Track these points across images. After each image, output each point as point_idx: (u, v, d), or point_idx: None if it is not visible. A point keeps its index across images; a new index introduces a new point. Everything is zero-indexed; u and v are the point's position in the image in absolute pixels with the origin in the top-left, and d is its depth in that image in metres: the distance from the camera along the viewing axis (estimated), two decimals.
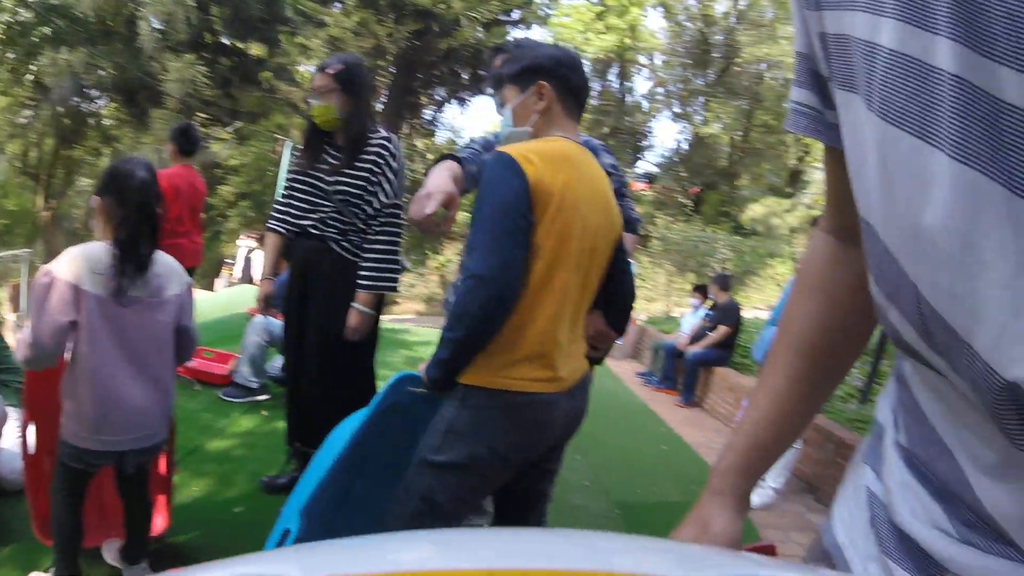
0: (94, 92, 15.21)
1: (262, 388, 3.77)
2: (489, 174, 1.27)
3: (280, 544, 1.39)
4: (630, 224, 1.85)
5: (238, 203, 17.15)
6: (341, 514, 1.58)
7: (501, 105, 1.49)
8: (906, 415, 0.47)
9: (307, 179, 2.28)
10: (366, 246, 2.23)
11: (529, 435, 1.34)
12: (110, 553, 1.88)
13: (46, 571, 1.78)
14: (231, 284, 10.09)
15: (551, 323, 1.29)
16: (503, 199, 1.24)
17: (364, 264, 2.21)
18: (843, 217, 0.57)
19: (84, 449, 1.61)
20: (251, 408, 3.63)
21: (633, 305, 1.69)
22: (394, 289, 2.31)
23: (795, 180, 21.55)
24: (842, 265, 0.60)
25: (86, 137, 16.55)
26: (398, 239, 2.31)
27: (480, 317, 1.23)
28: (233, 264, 10.38)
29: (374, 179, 2.21)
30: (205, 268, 18.67)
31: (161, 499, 2.08)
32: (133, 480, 1.75)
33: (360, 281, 2.19)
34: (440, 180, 1.49)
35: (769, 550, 0.69)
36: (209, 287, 12.91)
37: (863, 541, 0.50)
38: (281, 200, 2.40)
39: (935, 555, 0.42)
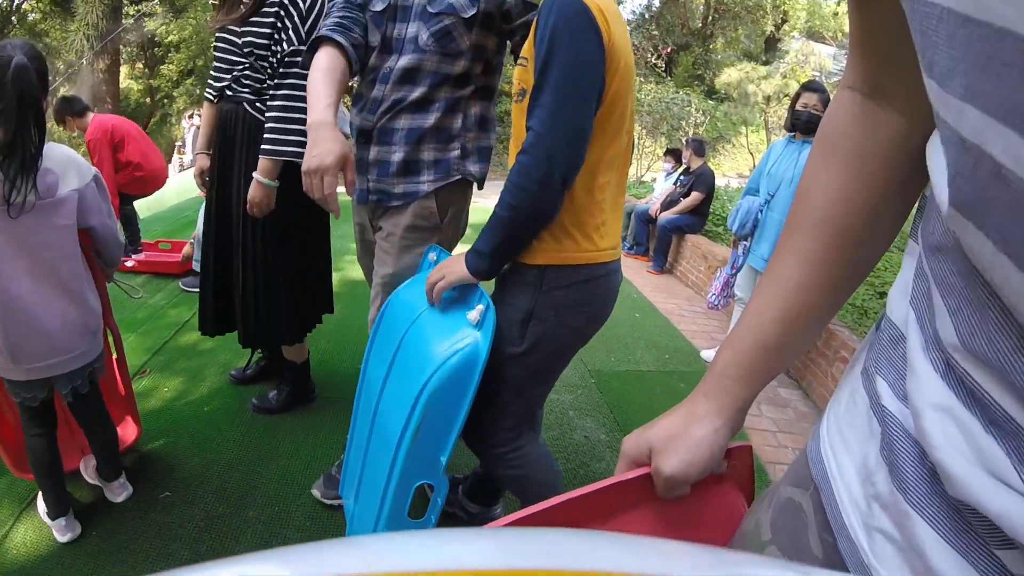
0: None
1: None
2: (562, 22, 1.07)
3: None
4: None
5: (183, 81, 15.96)
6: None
7: None
8: (952, 301, 0.34)
9: (223, 36, 1.94)
10: (268, 103, 1.85)
11: (605, 306, 1.33)
12: (88, 472, 1.84)
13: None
14: (183, 168, 9.55)
15: (613, 190, 1.22)
16: (581, 57, 1.07)
17: (266, 125, 1.82)
18: (872, 67, 0.48)
19: (12, 381, 1.48)
20: None
21: None
22: (299, 155, 1.77)
23: (771, 47, 20.74)
24: (873, 126, 0.49)
25: (12, 36, 14.86)
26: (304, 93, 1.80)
27: (545, 194, 1.12)
28: (184, 147, 9.75)
29: (279, 24, 1.85)
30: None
31: (126, 415, 2.01)
32: (80, 404, 1.63)
33: (262, 146, 1.81)
34: (325, 147, 1.26)
35: (745, 452, 0.63)
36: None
37: (866, 476, 0.40)
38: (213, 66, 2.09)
39: (994, 517, 0.29)
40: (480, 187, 1.61)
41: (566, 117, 1.08)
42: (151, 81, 16.99)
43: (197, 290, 3.43)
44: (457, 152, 1.50)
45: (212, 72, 2.05)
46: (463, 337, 1.22)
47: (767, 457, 2.52)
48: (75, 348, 1.52)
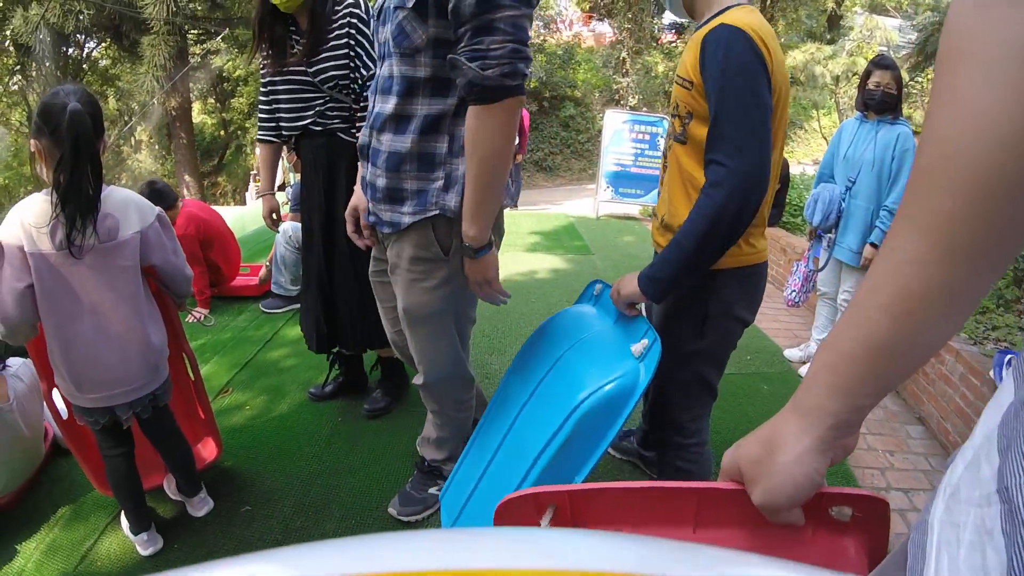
0: (80, 37, 14.63)
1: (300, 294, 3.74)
2: (732, 55, 1.13)
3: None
4: None
5: (254, 113, 16.85)
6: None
7: None
8: None
9: (286, 77, 2.03)
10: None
11: (760, 295, 1.44)
12: (170, 488, 1.89)
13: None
14: (259, 196, 10.06)
15: (768, 196, 1.27)
16: (753, 85, 1.13)
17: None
18: None
19: (78, 407, 1.55)
20: (293, 316, 3.61)
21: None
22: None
23: (834, 25, 19.73)
24: (1000, 7, 0.34)
25: (87, 83, 16.14)
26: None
27: (738, 229, 1.16)
28: (258, 175, 10.33)
29: (353, 51, 1.97)
30: (235, 183, 18.81)
31: (207, 436, 2.06)
32: (150, 426, 1.68)
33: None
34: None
35: (878, 505, 0.51)
36: (241, 202, 12.90)
37: None
38: (264, 108, 2.17)
39: None
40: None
41: (751, 149, 1.11)
42: (223, 114, 18.00)
43: (277, 311, 3.64)
44: (440, 183, 1.32)
45: (277, 115, 2.12)
46: (625, 366, 1.23)
47: (857, 458, 2.35)
48: (134, 382, 1.56)
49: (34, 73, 14.91)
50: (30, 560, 1.71)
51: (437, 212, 1.32)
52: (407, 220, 1.35)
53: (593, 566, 0.25)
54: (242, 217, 6.93)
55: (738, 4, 1.23)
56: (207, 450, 2.03)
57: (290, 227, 3.56)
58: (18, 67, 14.75)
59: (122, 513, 1.78)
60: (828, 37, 17.80)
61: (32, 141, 1.40)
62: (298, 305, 3.68)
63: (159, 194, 3.85)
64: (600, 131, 8.52)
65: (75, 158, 1.35)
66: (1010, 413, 0.31)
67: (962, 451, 0.35)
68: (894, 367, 0.43)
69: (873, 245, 2.66)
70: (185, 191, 14.15)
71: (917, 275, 0.39)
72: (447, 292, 1.41)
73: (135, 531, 1.71)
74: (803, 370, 3.15)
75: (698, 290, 1.34)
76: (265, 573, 0.26)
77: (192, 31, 13.91)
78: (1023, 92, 0.34)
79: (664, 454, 1.65)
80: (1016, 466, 0.28)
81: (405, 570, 0.24)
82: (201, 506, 1.84)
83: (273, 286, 3.69)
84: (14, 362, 1.99)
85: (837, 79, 13.08)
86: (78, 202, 1.37)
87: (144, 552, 1.70)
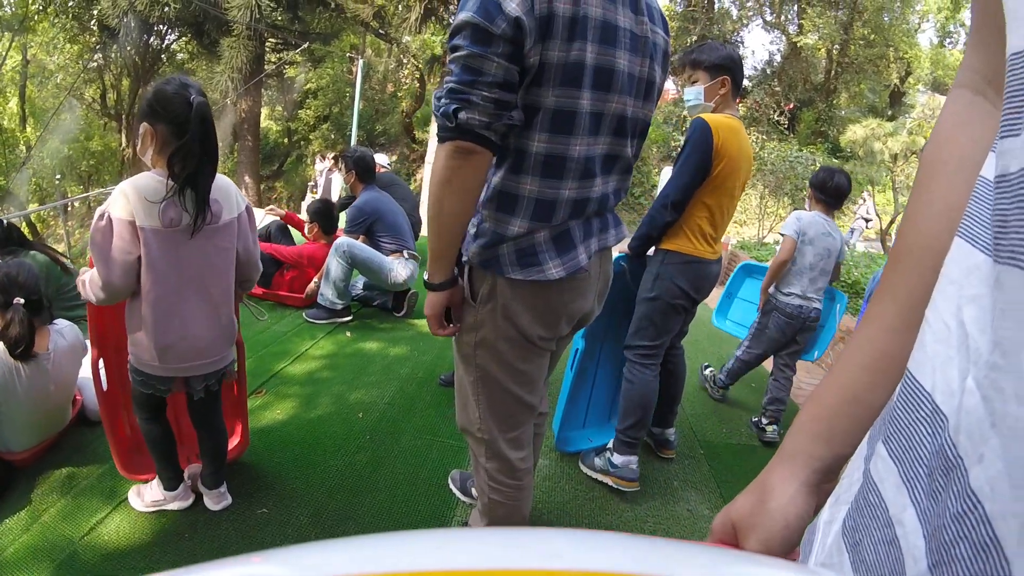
0: (162, 28, 15.40)
1: (345, 310, 3.83)
2: (696, 131, 2.06)
3: (574, 360, 2.34)
4: None
5: (319, 126, 17.40)
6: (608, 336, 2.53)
7: (692, 82, 2.21)
8: None
9: None
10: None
11: (697, 280, 2.18)
12: (191, 478, 1.94)
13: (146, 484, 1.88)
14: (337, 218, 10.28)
15: (707, 220, 2.16)
16: (700, 150, 2.05)
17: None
18: (986, 56, 0.42)
19: (151, 375, 1.62)
20: (335, 329, 3.70)
21: None
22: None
23: (896, 101, 19.54)
24: (981, 129, 0.42)
25: (162, 73, 16.98)
26: None
27: (662, 214, 2.12)
28: (316, 187, 10.51)
29: None
30: (291, 191, 19.39)
31: (237, 424, 2.12)
32: (203, 405, 1.77)
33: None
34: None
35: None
36: (297, 210, 13.26)
37: None
38: None
39: None
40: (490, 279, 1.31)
41: (683, 180, 2.09)
42: (289, 124, 18.67)
43: (320, 322, 3.72)
44: (473, 230, 1.28)
45: None
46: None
47: None
48: (214, 355, 1.68)
49: (113, 55, 15.71)
50: (37, 520, 1.77)
51: (467, 258, 1.32)
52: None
53: (593, 566, 0.25)
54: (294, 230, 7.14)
55: (728, 114, 2.14)
56: (233, 440, 2.09)
57: (345, 242, 3.67)
58: (99, 47, 15.52)
59: (136, 492, 1.86)
60: (890, 113, 17.61)
61: (145, 124, 1.51)
62: (342, 319, 3.78)
63: (328, 220, 4.15)
64: (655, 186, 8.55)
65: (203, 148, 1.49)
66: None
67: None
68: (872, 419, 0.47)
69: None
70: (244, 192, 14.61)
71: (896, 342, 0.45)
72: (473, 340, 1.34)
73: (171, 487, 1.81)
74: None
75: (654, 260, 2.22)
76: (265, 573, 0.26)
77: (271, 39, 14.50)
78: (941, 199, 0.43)
79: (624, 373, 2.31)
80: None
81: (405, 570, 0.24)
82: (220, 500, 1.88)
83: (319, 297, 3.78)
84: (61, 322, 2.09)
85: (895, 157, 12.87)
86: (200, 186, 1.52)
87: (178, 506, 1.84)
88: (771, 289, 2.97)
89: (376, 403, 2.75)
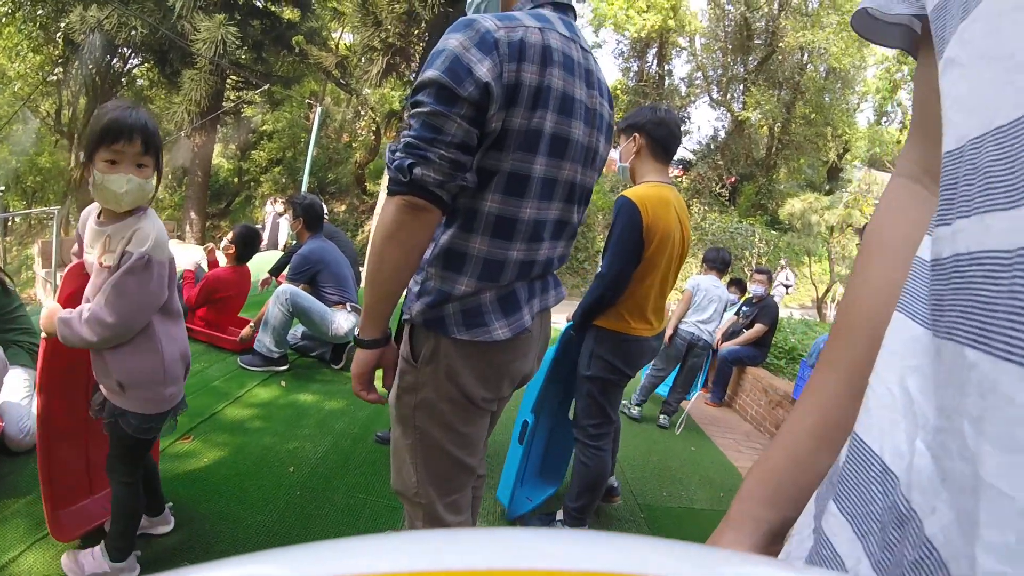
0: (126, 51, 15.20)
1: (282, 358, 3.69)
2: (623, 211, 2.03)
3: (523, 434, 2.32)
4: None
5: (271, 169, 17.24)
6: (547, 416, 2.53)
7: (614, 146, 2.04)
8: None
9: None
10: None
11: (631, 357, 2.19)
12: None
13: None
14: (258, 250, 9.98)
15: (645, 299, 2.16)
16: (629, 232, 2.02)
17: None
18: (925, 145, 0.47)
19: (154, 415, 1.55)
20: (269, 378, 3.55)
21: None
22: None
23: (833, 176, 20.99)
24: (919, 213, 0.46)
25: (121, 96, 16.61)
26: None
27: (602, 298, 2.11)
28: (263, 229, 10.30)
29: None
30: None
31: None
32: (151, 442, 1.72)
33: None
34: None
35: None
36: None
37: None
38: None
39: None
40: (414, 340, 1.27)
41: (614, 268, 2.06)
42: (241, 163, 18.44)
43: (257, 369, 3.57)
44: (416, 288, 1.24)
45: None
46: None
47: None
48: (182, 381, 1.63)
49: (74, 72, 15.30)
50: None
51: (408, 316, 1.26)
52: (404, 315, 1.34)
53: (593, 566, 0.25)
54: None
55: (650, 181, 2.12)
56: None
57: (288, 290, 3.57)
58: (61, 60, 15.11)
59: (95, 549, 1.67)
60: (827, 188, 18.84)
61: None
62: (278, 368, 3.64)
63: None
64: (599, 251, 8.77)
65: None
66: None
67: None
68: (815, 481, 0.48)
69: None
70: (188, 228, 14.21)
71: (838, 410, 0.48)
72: (412, 401, 1.28)
73: (122, 557, 1.64)
74: None
75: (589, 337, 2.20)
76: (265, 573, 0.26)
77: (233, 76, 14.45)
78: (881, 279, 0.47)
79: (576, 454, 2.31)
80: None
81: (405, 570, 0.24)
82: (167, 523, 1.87)
83: (256, 344, 3.64)
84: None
85: (832, 229, 13.71)
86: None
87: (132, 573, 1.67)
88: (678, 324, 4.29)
89: (309, 457, 2.62)
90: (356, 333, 1.21)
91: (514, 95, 1.08)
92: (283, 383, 3.51)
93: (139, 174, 1.37)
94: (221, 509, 2.10)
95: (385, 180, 10.29)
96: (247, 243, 4.01)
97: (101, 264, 1.40)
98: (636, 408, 4.25)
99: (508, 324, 1.24)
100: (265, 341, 3.59)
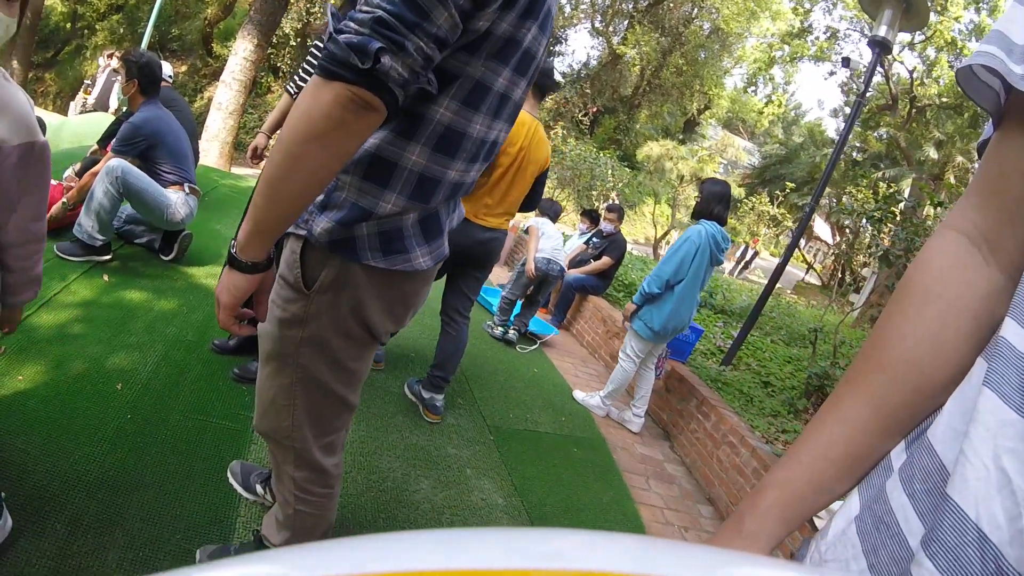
0: None
1: (105, 247, 3.19)
2: None
3: None
4: None
5: (110, 16, 14.51)
6: None
7: None
8: None
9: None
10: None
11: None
12: None
13: None
14: (84, 110, 8.24)
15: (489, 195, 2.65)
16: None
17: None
18: (992, 219, 0.48)
19: None
20: (91, 270, 3.08)
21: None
22: None
23: (689, 129, 22.47)
24: (976, 277, 0.49)
25: None
26: None
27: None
28: (92, 86, 8.51)
29: None
30: (62, 87, 15.76)
31: None
32: None
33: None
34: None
35: None
36: (63, 111, 10.68)
37: None
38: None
39: None
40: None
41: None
42: (77, 7, 15.25)
43: (77, 259, 3.08)
44: (321, 198, 1.06)
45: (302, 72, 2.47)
46: None
47: (655, 532, 2.66)
48: None
49: None
50: None
51: (304, 232, 1.07)
52: (290, 228, 1.08)
53: (593, 566, 0.25)
54: (60, 128, 5.79)
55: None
56: None
57: (119, 166, 3.03)
58: None
59: None
60: (680, 138, 20.18)
61: None
62: (100, 257, 3.17)
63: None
64: None
65: None
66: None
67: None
68: (826, 502, 0.55)
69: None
70: (9, 77, 11.39)
71: (867, 443, 0.52)
72: (294, 336, 1.12)
73: None
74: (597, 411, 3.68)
75: None
76: (265, 573, 0.26)
77: None
78: (931, 329, 0.50)
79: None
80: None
81: (405, 570, 0.24)
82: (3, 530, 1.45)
83: (76, 228, 3.09)
84: None
85: (682, 178, 14.81)
86: None
87: None
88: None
89: (138, 371, 2.35)
90: (233, 252, 0.97)
91: None
92: (106, 277, 3.07)
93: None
94: (44, 443, 1.83)
95: (238, 45, 8.88)
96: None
97: None
98: (500, 329, 4.55)
99: (430, 251, 1.13)
100: (87, 226, 3.06)
